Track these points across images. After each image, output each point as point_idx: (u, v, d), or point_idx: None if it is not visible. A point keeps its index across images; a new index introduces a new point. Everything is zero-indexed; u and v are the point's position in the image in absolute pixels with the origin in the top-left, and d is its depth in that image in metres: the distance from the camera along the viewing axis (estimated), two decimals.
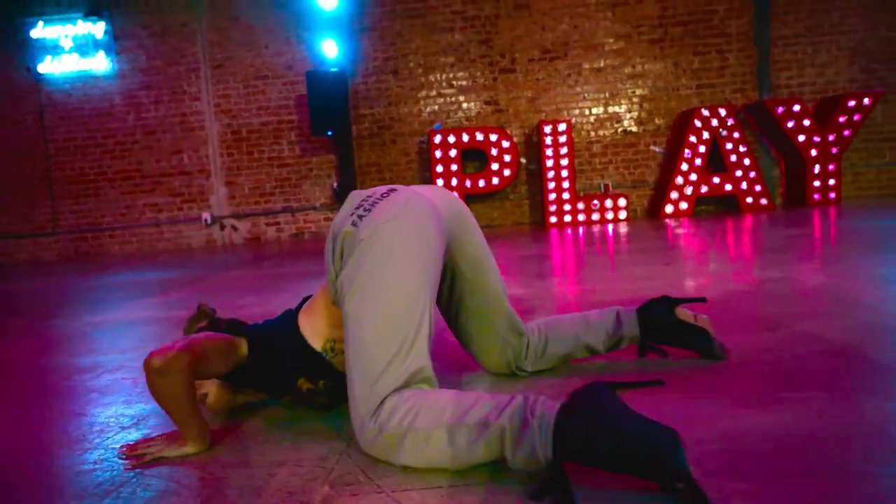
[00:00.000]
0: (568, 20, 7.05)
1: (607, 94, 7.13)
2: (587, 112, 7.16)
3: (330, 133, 6.76)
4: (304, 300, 1.49)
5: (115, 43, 7.37)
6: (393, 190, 1.33)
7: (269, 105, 7.35)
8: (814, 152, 6.58)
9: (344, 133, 7.01)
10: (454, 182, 6.76)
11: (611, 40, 7.07)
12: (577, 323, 1.65)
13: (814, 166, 6.59)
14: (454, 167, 6.76)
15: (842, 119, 6.53)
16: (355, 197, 1.34)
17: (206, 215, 7.50)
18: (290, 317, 1.44)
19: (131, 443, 1.37)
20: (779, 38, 6.94)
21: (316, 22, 6.97)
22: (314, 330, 1.39)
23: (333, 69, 6.78)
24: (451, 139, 6.72)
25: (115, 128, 7.46)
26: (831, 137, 6.55)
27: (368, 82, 7.22)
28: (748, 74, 7.00)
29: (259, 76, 7.32)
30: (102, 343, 2.57)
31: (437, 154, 6.75)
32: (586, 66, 7.10)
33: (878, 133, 6.99)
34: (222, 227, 7.55)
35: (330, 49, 6.82)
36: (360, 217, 1.25)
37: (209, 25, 7.31)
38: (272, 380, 1.43)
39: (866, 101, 6.50)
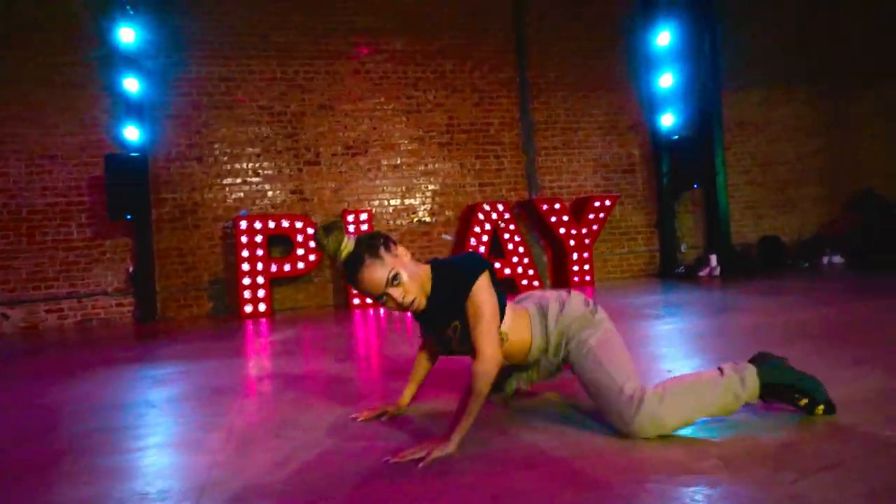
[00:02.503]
0: (368, 121, 7.82)
1: (404, 188, 7.93)
2: (386, 203, 7.87)
3: (129, 217, 6.60)
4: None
5: None
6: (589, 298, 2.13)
7: (57, 186, 6.97)
8: (572, 242, 7.91)
9: (143, 217, 6.88)
10: (259, 266, 6.93)
11: (406, 141, 7.95)
12: None
13: (572, 254, 7.92)
14: (260, 252, 6.96)
15: (591, 216, 7.99)
16: (578, 297, 2.10)
17: None
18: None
19: (400, 453, 1.79)
20: (542, 149, 8.38)
21: (116, 105, 6.90)
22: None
23: (134, 153, 6.72)
24: (258, 225, 6.95)
25: None
26: (584, 230, 7.96)
27: (171, 167, 7.23)
28: (520, 176, 8.29)
29: (47, 155, 6.95)
30: None
31: (244, 239, 6.91)
32: (385, 162, 7.87)
33: (618, 228, 8.63)
34: None
35: (131, 133, 6.77)
36: (594, 311, 2.05)
37: None
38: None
39: (607, 202, 8.06)
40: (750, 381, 1.82)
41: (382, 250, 1.91)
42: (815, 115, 9.22)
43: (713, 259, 8.13)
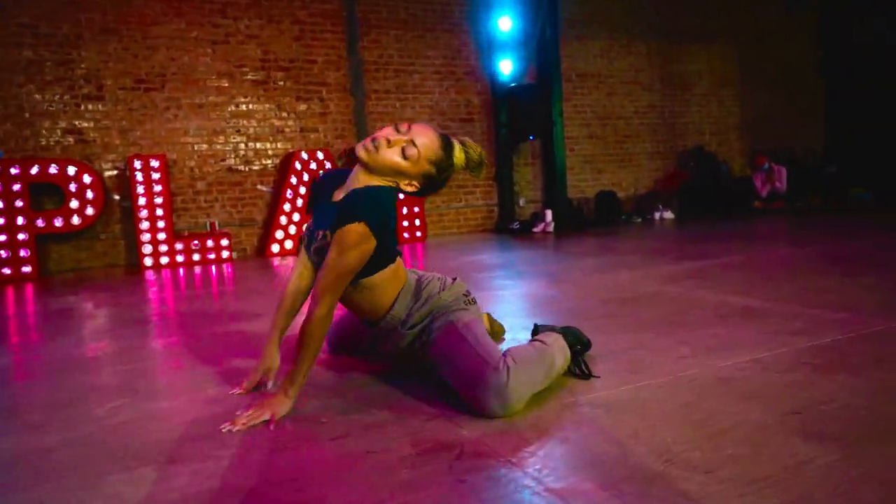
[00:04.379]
0: (164, 51, 6.69)
1: (210, 131, 6.94)
2: (190, 148, 6.86)
3: None
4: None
5: None
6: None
7: None
8: (401, 195, 7.34)
9: None
10: (20, 220, 5.78)
11: (213, 77, 6.92)
12: None
13: (401, 208, 7.37)
14: (20, 203, 5.79)
15: None
16: (461, 286, 1.97)
17: None
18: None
19: (237, 417, 1.65)
20: (372, 92, 7.65)
21: None
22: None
23: None
24: (14, 171, 5.76)
25: None
26: None
27: None
28: (347, 122, 7.54)
29: None
30: None
31: None
32: (186, 100, 6.81)
33: (454, 180, 8.15)
34: None
35: None
36: (470, 302, 1.93)
37: None
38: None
39: None
40: (562, 344, 1.89)
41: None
42: (650, 71, 9.16)
43: (548, 214, 7.90)
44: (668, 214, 8.66)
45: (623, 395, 1.72)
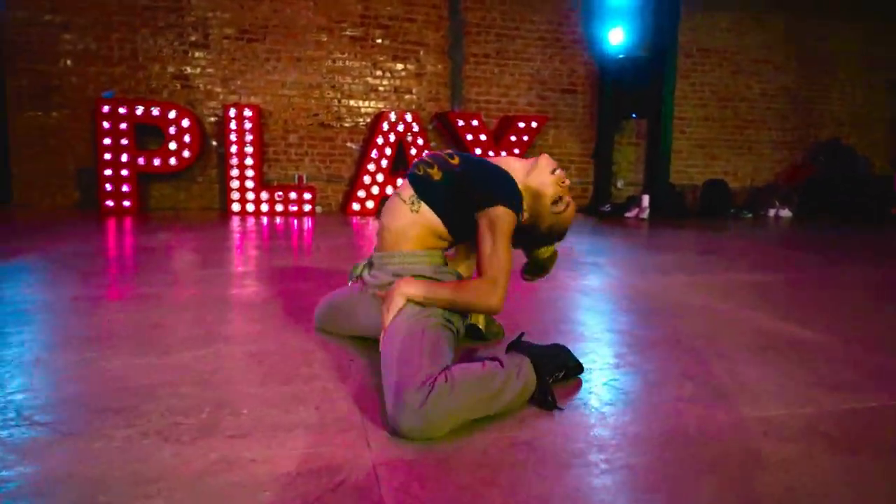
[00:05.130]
0: (268, 3, 6.81)
1: (307, 85, 7.04)
2: (286, 101, 7.01)
3: None
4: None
5: None
6: None
7: None
8: None
9: None
10: (124, 157, 6.20)
11: (313, 31, 6.98)
12: None
13: None
14: (125, 141, 6.20)
15: (513, 138, 7.16)
16: None
17: None
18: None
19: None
20: (471, 56, 7.40)
21: None
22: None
23: None
24: (122, 110, 6.15)
25: None
26: (504, 154, 7.15)
27: (31, 34, 6.32)
28: (442, 85, 7.37)
29: None
30: None
31: (105, 125, 6.14)
32: (286, 53, 6.94)
33: (551, 154, 7.73)
34: None
35: None
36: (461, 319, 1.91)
37: None
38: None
39: (534, 124, 7.20)
40: (525, 369, 1.62)
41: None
42: (786, 49, 8.16)
43: (645, 199, 7.37)
44: (786, 213, 7.81)
45: (572, 440, 1.47)
